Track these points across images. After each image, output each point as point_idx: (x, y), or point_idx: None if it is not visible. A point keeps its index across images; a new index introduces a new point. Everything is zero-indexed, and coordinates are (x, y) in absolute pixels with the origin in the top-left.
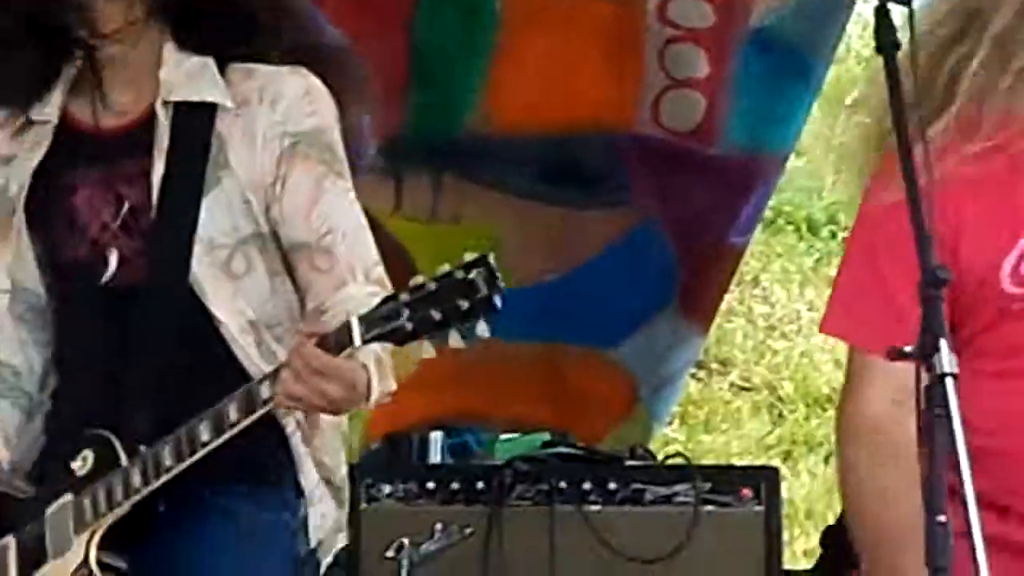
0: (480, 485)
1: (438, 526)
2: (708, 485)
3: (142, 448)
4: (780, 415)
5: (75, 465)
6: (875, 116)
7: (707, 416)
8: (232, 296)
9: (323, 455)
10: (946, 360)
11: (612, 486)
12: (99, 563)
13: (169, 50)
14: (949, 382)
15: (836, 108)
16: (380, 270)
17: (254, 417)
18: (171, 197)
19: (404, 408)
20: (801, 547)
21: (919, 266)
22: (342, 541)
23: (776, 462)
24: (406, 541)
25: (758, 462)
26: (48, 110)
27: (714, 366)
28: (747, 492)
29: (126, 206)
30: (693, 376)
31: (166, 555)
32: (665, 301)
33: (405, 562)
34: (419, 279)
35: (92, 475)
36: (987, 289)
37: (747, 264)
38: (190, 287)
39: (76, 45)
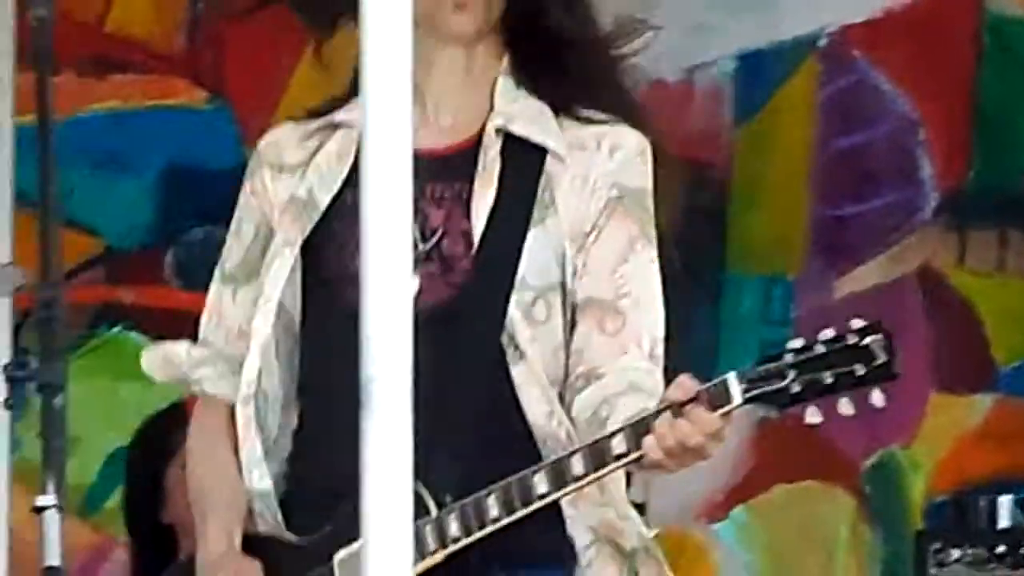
0: None
1: None
2: None
3: (448, 496)
4: None
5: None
6: None
7: None
8: (532, 343)
9: (599, 515)
10: None
11: None
12: None
13: (505, 84)
14: None
15: None
16: (661, 350)
17: (604, 473)
18: (496, 229)
19: (970, 462)
20: None
21: None
22: None
23: None
24: None
25: None
26: (357, 113)
27: None
28: None
29: (440, 230)
30: None
31: None
32: None
33: None
34: (799, 341)
35: None
36: None
37: None
38: (502, 324)
39: None
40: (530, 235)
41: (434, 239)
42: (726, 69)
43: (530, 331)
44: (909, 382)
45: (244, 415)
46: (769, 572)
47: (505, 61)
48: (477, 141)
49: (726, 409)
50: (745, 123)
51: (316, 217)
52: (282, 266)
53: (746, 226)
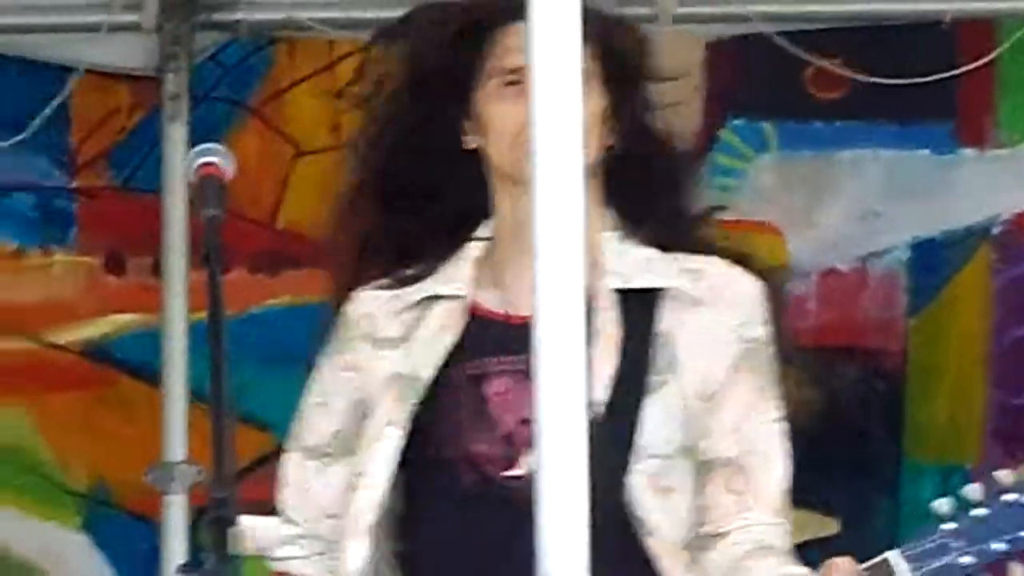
0: None
1: None
2: None
3: None
4: None
5: None
6: None
7: None
8: (661, 513)
9: None
10: None
11: None
12: None
13: (609, 238)
14: None
15: None
16: (788, 503)
17: None
18: (618, 397)
19: None
20: None
21: None
22: None
23: None
24: None
25: None
26: (458, 285)
27: None
28: None
29: None
30: None
31: None
32: None
33: None
34: (944, 503)
35: None
36: None
37: None
38: (623, 500)
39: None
40: (652, 399)
41: None
42: (900, 257)
43: (660, 501)
44: None
45: None
46: None
47: (606, 214)
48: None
49: None
50: (920, 311)
51: (422, 394)
52: (388, 447)
53: (923, 415)
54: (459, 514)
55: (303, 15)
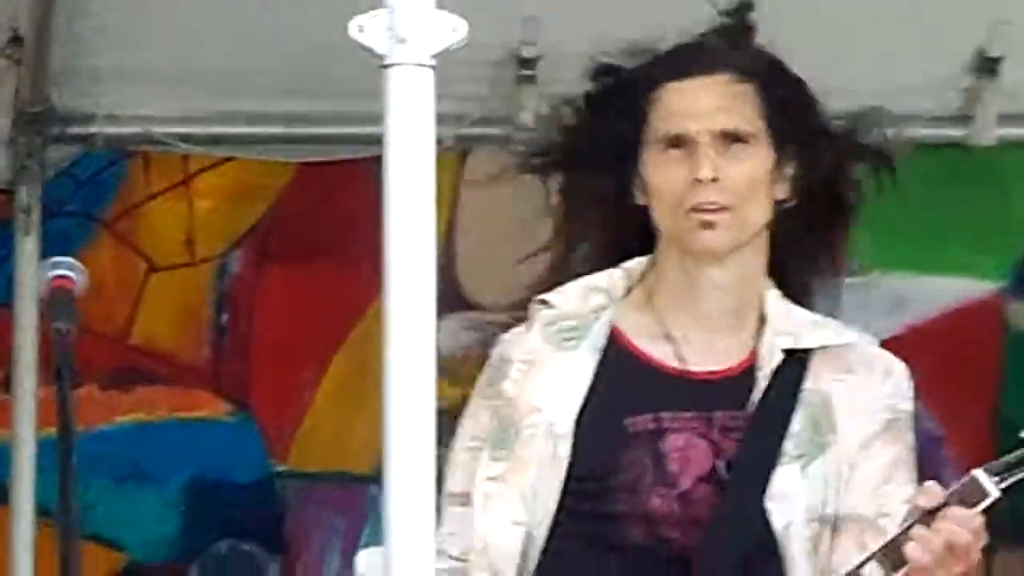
0: None
1: None
2: None
3: None
4: None
5: None
6: None
7: None
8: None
9: None
10: None
11: None
12: None
13: (775, 296)
14: None
15: None
16: None
17: None
18: (751, 458)
19: None
20: None
21: None
22: None
23: None
24: None
25: None
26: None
27: None
28: None
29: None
30: None
31: None
32: None
33: None
34: None
35: None
36: None
37: None
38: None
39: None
40: (813, 465)
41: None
42: None
43: (810, 563)
44: None
45: None
46: None
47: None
48: (749, 364)
49: (984, 504)
50: None
51: (571, 450)
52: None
53: None
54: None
55: (158, 130)
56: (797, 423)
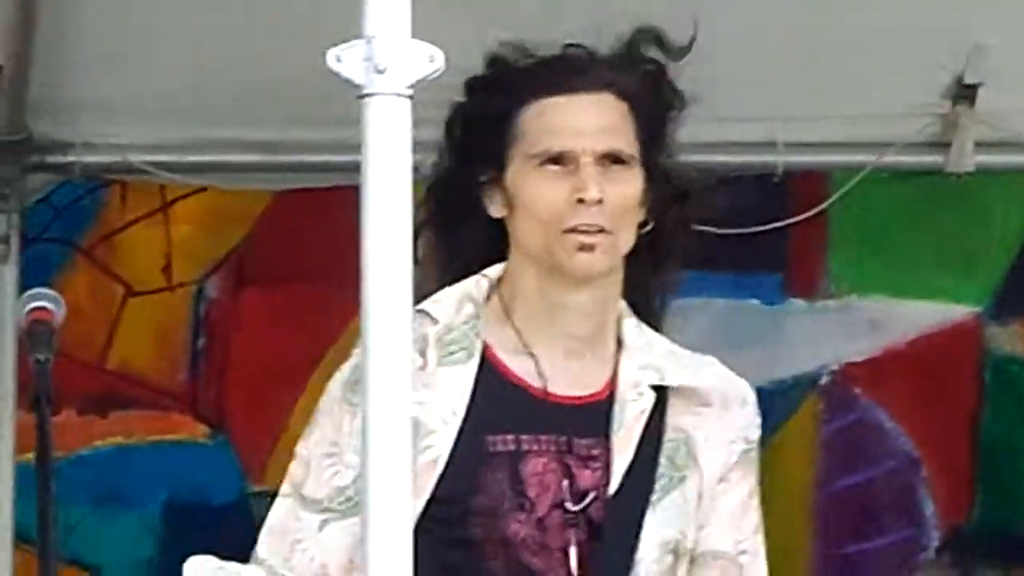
0: None
1: None
2: None
3: None
4: None
5: None
6: None
7: None
8: None
9: None
10: None
11: None
12: None
13: (631, 324)
14: None
15: None
16: None
17: None
18: (627, 492)
19: None
20: None
21: None
22: None
23: None
24: None
25: None
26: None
27: None
28: None
29: (592, 493)
30: None
31: None
32: None
33: None
34: None
35: None
36: None
37: None
38: None
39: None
40: (671, 496)
41: (588, 500)
42: None
43: None
44: None
45: None
46: None
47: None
48: (609, 391)
49: None
50: None
51: (442, 469)
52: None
53: None
54: None
55: (136, 158)
56: (654, 456)
